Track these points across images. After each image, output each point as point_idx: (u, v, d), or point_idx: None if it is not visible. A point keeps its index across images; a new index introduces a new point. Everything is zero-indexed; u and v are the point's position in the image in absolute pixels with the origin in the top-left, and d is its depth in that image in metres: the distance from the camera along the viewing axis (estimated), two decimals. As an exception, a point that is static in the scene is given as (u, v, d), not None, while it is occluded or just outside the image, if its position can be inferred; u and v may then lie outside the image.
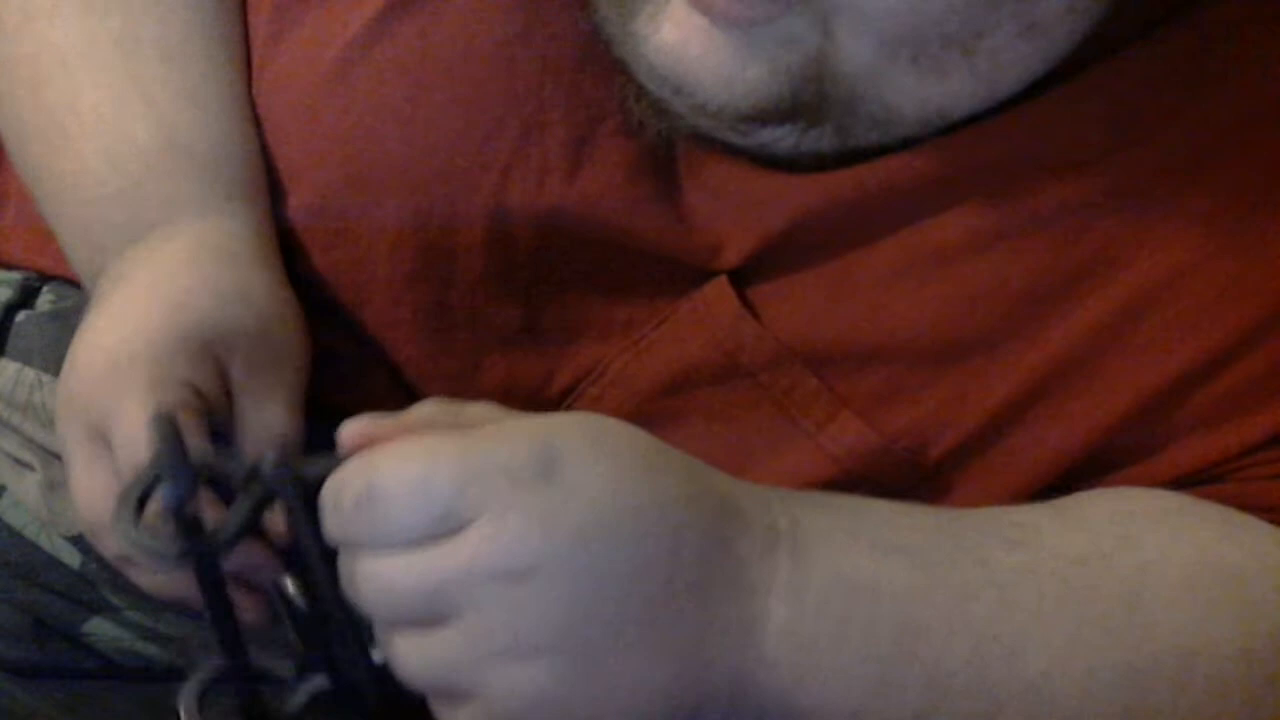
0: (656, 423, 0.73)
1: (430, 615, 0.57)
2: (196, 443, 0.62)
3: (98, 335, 0.69)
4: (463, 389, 0.75)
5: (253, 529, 0.60)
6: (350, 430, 0.59)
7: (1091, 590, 0.64)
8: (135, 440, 0.65)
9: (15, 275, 0.84)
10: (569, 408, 0.75)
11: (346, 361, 0.78)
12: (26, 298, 0.83)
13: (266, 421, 0.70)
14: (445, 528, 0.56)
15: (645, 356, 0.74)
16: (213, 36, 0.78)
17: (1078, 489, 0.70)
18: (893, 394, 0.71)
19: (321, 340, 0.77)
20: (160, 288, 0.70)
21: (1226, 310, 0.69)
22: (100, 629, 0.80)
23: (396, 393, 0.77)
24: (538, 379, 0.75)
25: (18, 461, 0.81)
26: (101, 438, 0.67)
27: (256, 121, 0.77)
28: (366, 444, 0.59)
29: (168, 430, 0.58)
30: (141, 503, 0.59)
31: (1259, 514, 0.69)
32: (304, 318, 0.73)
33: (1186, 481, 0.70)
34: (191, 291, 0.70)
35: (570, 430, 0.59)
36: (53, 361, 0.80)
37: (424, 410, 0.61)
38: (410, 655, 0.58)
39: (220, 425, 0.68)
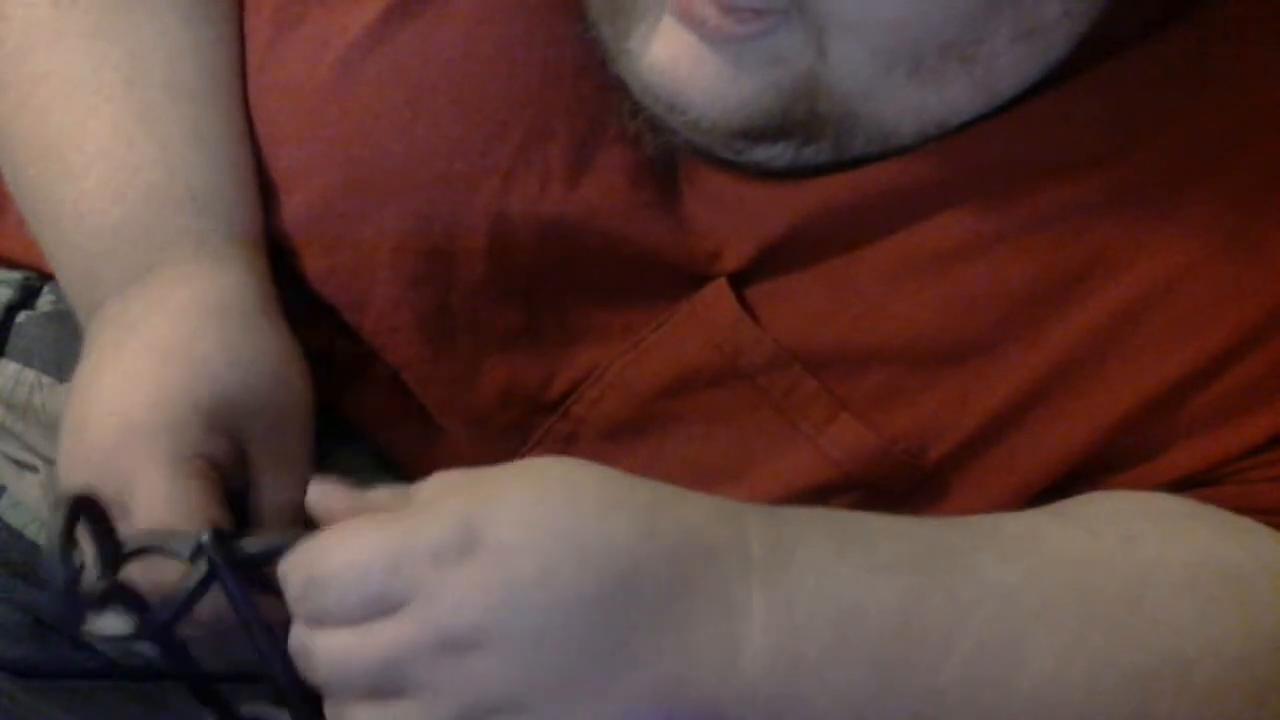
0: (656, 425, 0.73)
1: (384, 689, 0.59)
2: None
3: (110, 396, 0.70)
4: (462, 392, 0.76)
5: (195, 604, 0.63)
6: (312, 497, 0.63)
7: (1095, 593, 0.64)
8: (157, 514, 0.67)
9: (16, 275, 0.83)
10: (569, 410, 0.75)
11: (346, 364, 0.78)
12: (27, 298, 0.83)
13: (284, 490, 0.71)
14: (385, 606, 0.59)
15: (644, 359, 0.74)
16: (217, 71, 0.77)
17: (1077, 491, 0.70)
18: (892, 396, 0.71)
19: (322, 342, 0.77)
20: (176, 351, 0.71)
21: (1226, 312, 0.69)
22: (100, 629, 0.80)
23: (396, 395, 0.78)
24: (538, 382, 0.75)
25: (18, 462, 0.80)
26: (116, 504, 0.68)
27: (254, 140, 0.76)
28: (323, 512, 0.62)
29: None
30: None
31: (1259, 516, 0.69)
32: (308, 371, 0.74)
33: (1187, 483, 0.70)
34: (208, 359, 0.71)
35: (500, 495, 0.60)
36: (53, 362, 0.80)
37: (378, 494, 0.63)
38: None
39: (236, 492, 0.71)
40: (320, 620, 0.60)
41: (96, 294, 0.74)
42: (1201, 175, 0.70)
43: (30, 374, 0.80)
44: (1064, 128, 0.70)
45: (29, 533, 0.80)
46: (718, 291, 0.73)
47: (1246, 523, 0.68)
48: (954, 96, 0.67)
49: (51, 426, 0.79)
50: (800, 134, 0.68)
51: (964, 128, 0.69)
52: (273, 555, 0.62)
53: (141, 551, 0.64)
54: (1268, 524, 0.69)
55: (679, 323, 0.73)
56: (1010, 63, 0.67)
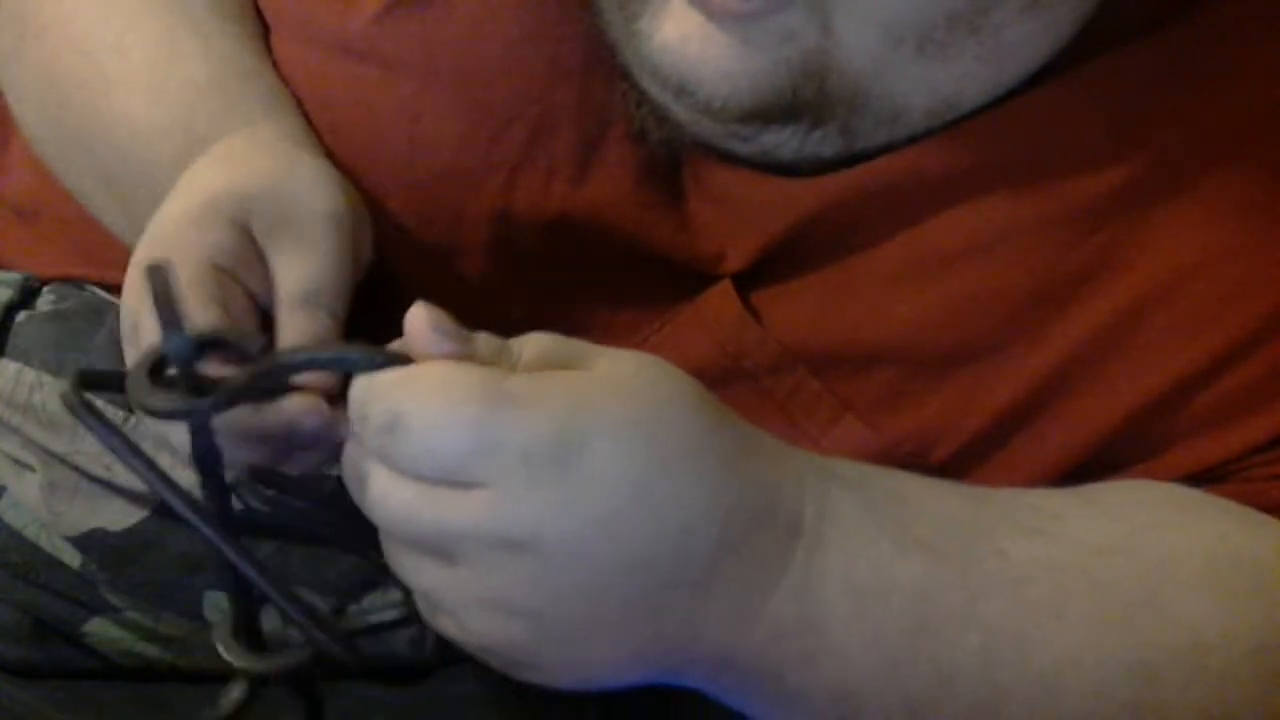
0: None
1: (426, 547, 0.58)
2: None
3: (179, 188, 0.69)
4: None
5: (251, 396, 0.59)
6: (416, 321, 0.58)
7: (1112, 584, 0.64)
8: (132, 308, 0.65)
9: (15, 276, 0.83)
10: None
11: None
12: (26, 298, 0.83)
13: (294, 274, 0.67)
14: (456, 479, 0.56)
15: None
16: (250, 7, 0.78)
17: None
18: (896, 397, 0.71)
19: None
20: (182, 185, 0.69)
21: (1228, 311, 0.69)
22: (100, 629, 0.80)
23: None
24: (540, 379, 0.75)
25: (18, 462, 0.80)
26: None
27: None
28: (418, 336, 0.58)
29: (160, 283, 0.56)
30: (157, 368, 0.57)
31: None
32: (343, 183, 0.71)
33: (1189, 482, 0.70)
34: (200, 173, 0.69)
35: (607, 410, 0.57)
36: (52, 362, 0.80)
37: (480, 342, 0.59)
38: (402, 564, 0.59)
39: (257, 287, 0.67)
40: (388, 462, 0.57)
41: (162, 193, 0.71)
42: (1203, 174, 0.70)
43: (30, 373, 0.80)
44: (1066, 123, 0.70)
45: (28, 533, 0.80)
46: (722, 292, 0.73)
47: (1260, 516, 0.68)
48: (963, 72, 0.67)
49: (51, 425, 0.79)
50: (810, 115, 0.68)
51: (968, 118, 0.69)
52: (347, 365, 0.59)
53: (213, 343, 0.59)
54: None
55: (683, 322, 0.74)
56: (1017, 37, 0.67)
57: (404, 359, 0.58)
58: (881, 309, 0.71)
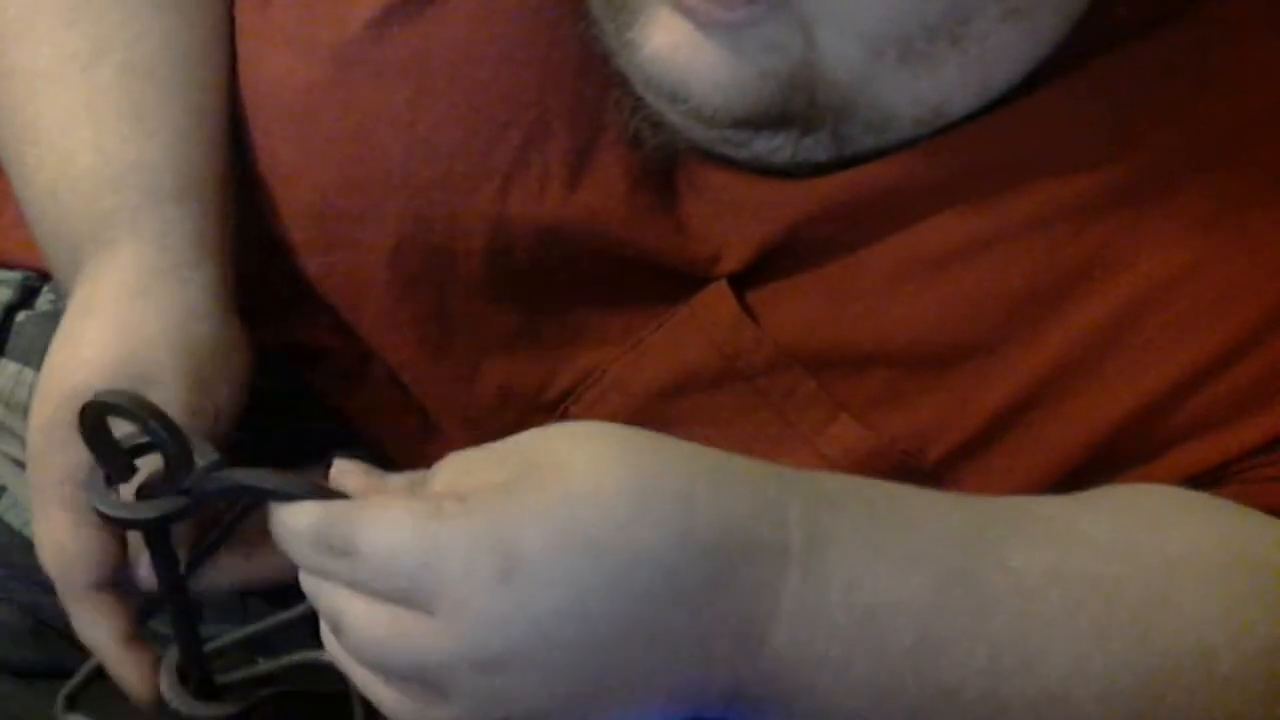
0: (654, 427, 0.72)
1: (409, 679, 0.59)
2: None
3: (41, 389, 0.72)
4: (461, 392, 0.76)
5: (190, 515, 0.63)
6: (333, 474, 0.62)
7: (1118, 590, 0.63)
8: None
9: (15, 275, 0.84)
10: (566, 410, 0.75)
11: (345, 363, 0.78)
12: (26, 298, 0.83)
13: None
14: (414, 599, 0.58)
15: (643, 360, 0.74)
16: (181, 54, 0.77)
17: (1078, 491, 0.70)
18: (891, 397, 0.71)
19: (320, 341, 0.77)
20: (44, 376, 0.71)
21: (1226, 312, 0.69)
22: (100, 629, 0.80)
23: (394, 394, 0.78)
24: (536, 383, 0.75)
25: (18, 462, 0.80)
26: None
27: (249, 136, 0.76)
28: (345, 481, 0.62)
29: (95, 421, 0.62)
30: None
31: (1260, 516, 0.69)
32: (239, 325, 0.74)
33: (1189, 484, 0.69)
34: (57, 365, 0.71)
35: (528, 501, 0.58)
36: (53, 362, 0.80)
37: (396, 479, 0.62)
38: (391, 703, 0.60)
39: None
40: (356, 588, 0.59)
41: (70, 279, 0.74)
42: (1201, 174, 0.69)
43: (30, 374, 0.80)
44: (1062, 124, 0.70)
45: (28, 533, 0.80)
46: (718, 293, 0.73)
47: (1262, 517, 0.68)
48: (948, 80, 0.67)
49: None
50: (800, 122, 0.68)
51: (962, 123, 0.69)
52: (282, 496, 0.61)
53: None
54: None
55: (678, 324, 0.74)
56: (1000, 44, 0.67)
57: (336, 493, 0.61)
58: (877, 310, 0.71)
